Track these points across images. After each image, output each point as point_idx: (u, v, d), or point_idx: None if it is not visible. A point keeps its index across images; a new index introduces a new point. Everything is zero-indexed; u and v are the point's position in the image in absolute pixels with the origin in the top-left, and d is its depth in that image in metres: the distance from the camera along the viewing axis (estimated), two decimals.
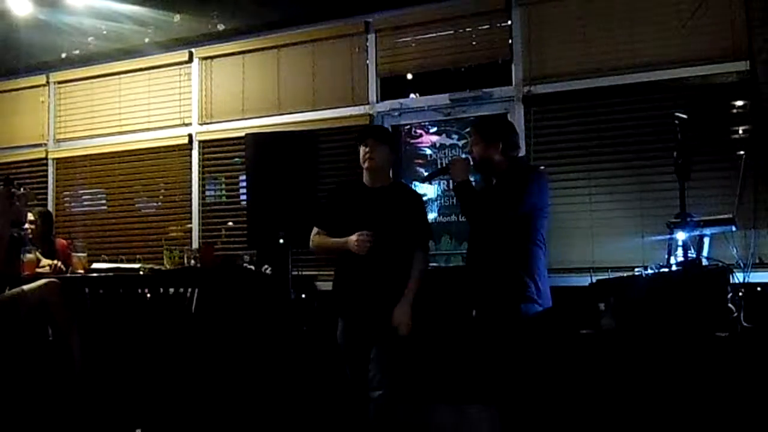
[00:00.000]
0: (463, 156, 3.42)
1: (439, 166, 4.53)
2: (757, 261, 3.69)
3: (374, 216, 3.18)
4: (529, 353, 2.96)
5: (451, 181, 3.45)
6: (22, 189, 3.63)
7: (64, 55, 5.51)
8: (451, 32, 4.59)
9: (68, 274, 4.43)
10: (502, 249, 3.00)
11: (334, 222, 3.27)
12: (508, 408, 3.10)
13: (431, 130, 4.67)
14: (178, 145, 5.29)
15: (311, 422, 3.89)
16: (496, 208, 3.01)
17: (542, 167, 4.19)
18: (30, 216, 4.88)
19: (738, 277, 3.26)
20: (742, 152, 3.76)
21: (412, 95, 4.74)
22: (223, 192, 5.26)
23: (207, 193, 5.27)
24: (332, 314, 3.32)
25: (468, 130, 4.43)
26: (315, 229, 3.36)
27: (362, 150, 3.24)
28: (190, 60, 5.30)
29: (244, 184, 4.97)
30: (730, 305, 3.03)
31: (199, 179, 5.22)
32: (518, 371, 2.97)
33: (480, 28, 4.52)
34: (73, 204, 5.70)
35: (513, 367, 2.98)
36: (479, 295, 3.10)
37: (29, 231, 4.68)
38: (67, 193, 5.71)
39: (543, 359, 3.01)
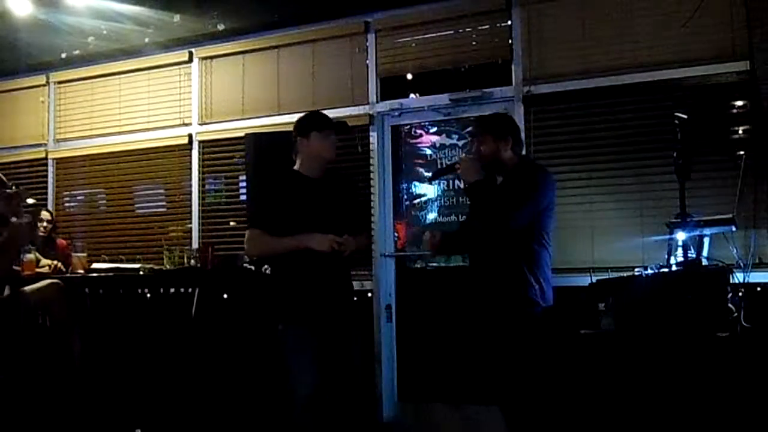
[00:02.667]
0: (467, 156, 3.33)
1: (439, 166, 4.53)
2: (757, 261, 3.69)
3: (323, 208, 3.02)
4: (531, 354, 2.96)
5: (462, 182, 3.36)
6: (14, 188, 3.61)
7: (64, 55, 5.50)
8: (451, 32, 4.59)
9: (68, 274, 4.44)
10: (506, 249, 3.00)
11: (281, 221, 3.01)
12: (509, 408, 3.11)
13: (431, 130, 4.67)
14: (178, 145, 5.28)
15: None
16: (507, 211, 2.94)
17: None
18: (46, 215, 4.90)
19: (738, 277, 3.26)
20: (742, 152, 3.76)
21: (412, 95, 4.74)
22: (223, 192, 5.25)
23: (207, 193, 5.26)
24: (281, 321, 3.07)
25: (469, 129, 4.43)
26: (254, 232, 3.06)
27: (332, 140, 3.09)
28: (190, 60, 5.30)
29: (244, 184, 4.98)
30: (730, 305, 3.03)
31: (199, 179, 5.21)
32: (520, 371, 2.98)
33: (480, 28, 4.52)
34: (73, 204, 5.70)
35: (515, 367, 2.99)
36: (483, 295, 3.10)
37: (42, 230, 4.72)
38: (67, 193, 5.70)
39: (545, 359, 3.01)
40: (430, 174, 4.41)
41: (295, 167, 3.13)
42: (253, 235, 3.05)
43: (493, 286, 3.04)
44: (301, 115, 3.26)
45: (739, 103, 3.85)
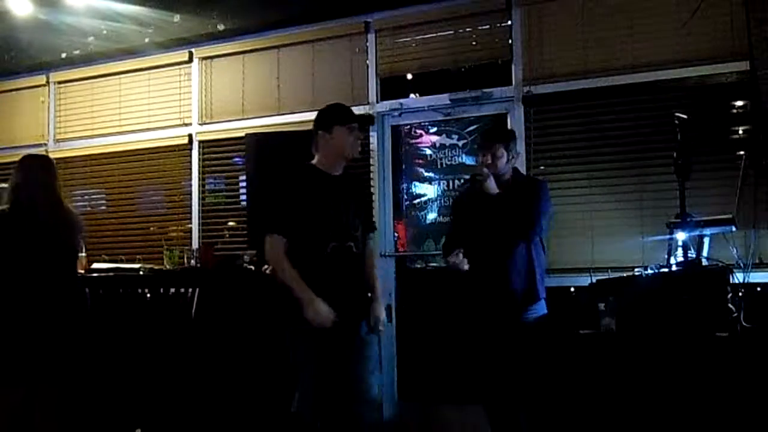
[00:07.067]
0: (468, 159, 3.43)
1: (438, 167, 4.55)
2: (757, 261, 3.69)
3: (339, 206, 2.88)
4: (540, 353, 3.03)
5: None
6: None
7: (64, 55, 5.50)
8: (451, 32, 4.58)
9: None
10: (520, 253, 3.15)
11: (297, 221, 2.83)
12: (510, 408, 3.12)
13: (431, 130, 4.67)
14: (178, 145, 5.28)
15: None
16: (533, 222, 3.14)
17: (542, 167, 4.22)
18: None
19: (738, 277, 3.25)
20: (742, 152, 3.76)
21: (412, 95, 4.74)
22: (223, 192, 5.24)
23: (207, 193, 5.26)
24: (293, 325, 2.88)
25: (469, 130, 4.45)
26: (275, 239, 2.83)
27: (356, 135, 2.92)
28: (190, 60, 5.29)
29: (244, 184, 4.98)
30: (730, 305, 3.03)
31: (199, 179, 5.21)
32: (531, 372, 3.04)
33: (480, 28, 4.52)
34: (72, 204, 5.68)
35: (528, 366, 3.05)
36: (491, 297, 3.16)
37: None
38: (67, 193, 5.69)
39: (551, 358, 3.05)
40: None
41: (313, 162, 2.95)
42: (275, 243, 2.83)
43: (504, 288, 3.14)
44: (323, 107, 3.04)
45: (739, 103, 3.85)
